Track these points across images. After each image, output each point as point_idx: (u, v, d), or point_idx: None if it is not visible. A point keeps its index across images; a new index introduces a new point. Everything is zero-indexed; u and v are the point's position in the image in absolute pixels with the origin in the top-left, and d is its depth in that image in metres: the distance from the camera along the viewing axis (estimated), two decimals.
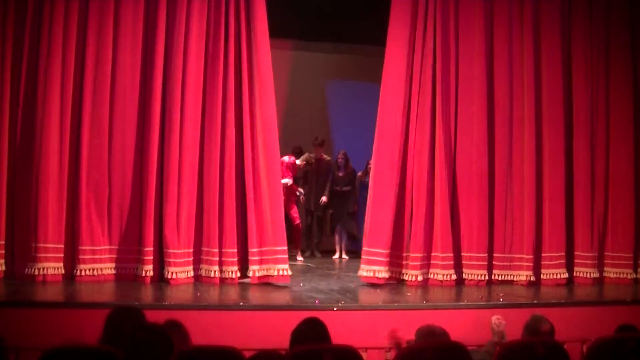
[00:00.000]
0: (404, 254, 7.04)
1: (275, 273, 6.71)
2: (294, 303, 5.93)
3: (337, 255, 9.56)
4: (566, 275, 7.33)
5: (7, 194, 6.47)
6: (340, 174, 9.69)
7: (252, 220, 6.75)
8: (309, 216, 9.88)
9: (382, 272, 6.88)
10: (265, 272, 6.73)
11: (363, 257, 6.97)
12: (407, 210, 7.11)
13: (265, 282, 6.73)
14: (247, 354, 3.19)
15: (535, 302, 6.34)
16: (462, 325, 5.29)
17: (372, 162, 7.32)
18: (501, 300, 6.31)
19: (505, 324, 4.67)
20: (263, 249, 6.75)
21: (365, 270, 6.91)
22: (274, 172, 6.91)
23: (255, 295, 6.39)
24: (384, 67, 7.18)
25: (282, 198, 7.29)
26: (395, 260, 7.04)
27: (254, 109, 6.85)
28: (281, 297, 6.29)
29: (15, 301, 5.59)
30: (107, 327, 3.41)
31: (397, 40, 7.14)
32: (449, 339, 3.63)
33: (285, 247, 6.86)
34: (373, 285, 6.85)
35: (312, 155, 9.50)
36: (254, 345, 3.99)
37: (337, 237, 9.73)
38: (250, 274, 6.70)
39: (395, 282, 7.02)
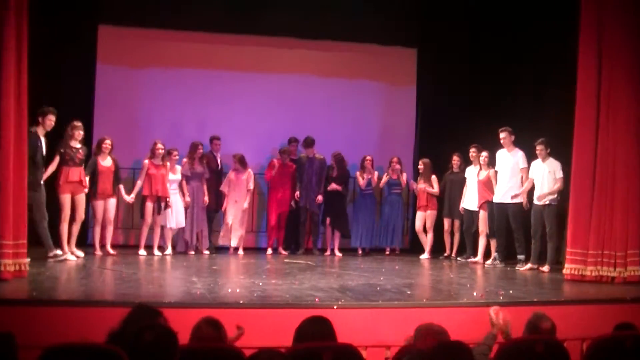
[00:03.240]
0: (600, 252, 7.52)
1: (13, 268, 6.46)
2: (294, 301, 5.92)
3: (328, 252, 9.65)
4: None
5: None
6: (334, 174, 9.77)
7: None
8: (304, 214, 9.91)
9: (583, 270, 7.53)
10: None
11: (568, 257, 7.69)
12: (597, 215, 7.53)
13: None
14: (247, 352, 3.19)
15: (535, 300, 6.35)
16: (461, 324, 5.30)
17: (572, 171, 7.69)
18: (501, 298, 6.33)
19: (509, 320, 4.65)
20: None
21: (569, 269, 7.63)
22: (19, 167, 6.60)
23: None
24: (578, 75, 7.61)
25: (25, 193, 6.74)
26: (595, 259, 7.52)
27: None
28: None
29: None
30: (126, 324, 3.40)
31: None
32: (448, 337, 3.62)
33: (25, 241, 6.64)
34: (575, 281, 7.49)
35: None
36: (254, 344, 3.99)
37: (327, 235, 9.85)
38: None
39: (595, 278, 7.47)
